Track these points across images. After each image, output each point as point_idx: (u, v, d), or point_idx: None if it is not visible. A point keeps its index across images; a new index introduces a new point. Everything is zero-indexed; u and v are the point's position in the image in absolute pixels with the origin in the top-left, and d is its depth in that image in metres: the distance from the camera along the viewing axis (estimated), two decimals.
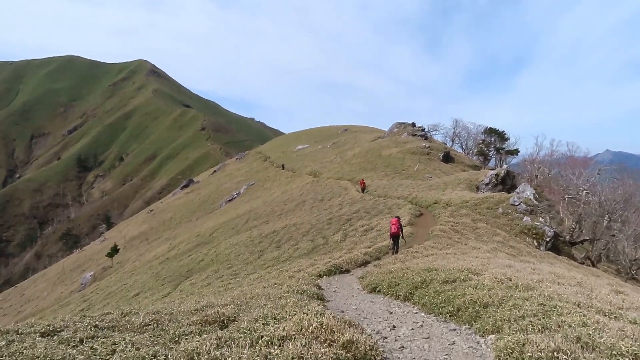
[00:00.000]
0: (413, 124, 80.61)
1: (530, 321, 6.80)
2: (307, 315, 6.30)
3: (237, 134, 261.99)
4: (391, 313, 9.09)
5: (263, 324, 6.17)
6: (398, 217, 19.20)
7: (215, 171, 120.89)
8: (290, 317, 6.36)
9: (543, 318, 6.92)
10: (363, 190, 42.59)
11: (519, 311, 7.36)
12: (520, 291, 8.86)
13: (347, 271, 14.61)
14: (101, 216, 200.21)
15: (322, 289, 11.76)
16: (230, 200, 73.89)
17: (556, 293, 8.68)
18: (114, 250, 62.89)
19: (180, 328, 6.17)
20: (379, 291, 11.28)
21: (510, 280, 10.04)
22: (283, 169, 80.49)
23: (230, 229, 42.62)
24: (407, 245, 18.91)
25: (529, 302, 7.78)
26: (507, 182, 43.09)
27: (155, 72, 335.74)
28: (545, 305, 7.61)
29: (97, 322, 6.43)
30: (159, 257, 43.40)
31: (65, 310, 32.26)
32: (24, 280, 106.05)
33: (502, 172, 42.79)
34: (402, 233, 18.49)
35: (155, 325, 6.48)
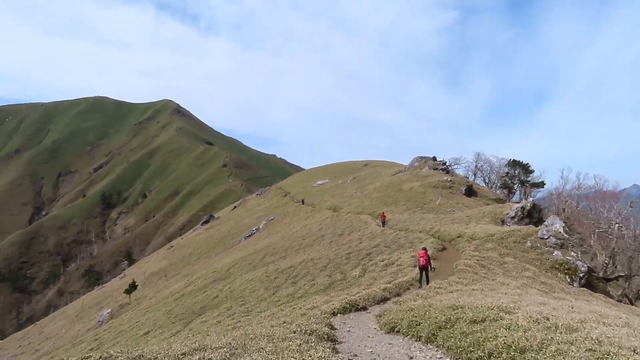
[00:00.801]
0: (434, 158, 79.40)
1: None
2: None
3: (259, 170, 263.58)
4: (411, 358, 7.90)
5: None
6: (425, 249, 18.60)
7: (235, 207, 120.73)
8: None
9: None
10: (383, 224, 41.55)
11: (564, 358, 6.15)
12: (561, 333, 7.60)
13: (364, 308, 13.38)
14: (123, 253, 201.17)
15: (335, 329, 10.61)
16: (249, 235, 73.03)
17: (605, 336, 7.40)
18: (132, 287, 62.18)
19: None
20: (397, 331, 10.08)
21: (548, 319, 8.77)
22: (303, 203, 79.67)
23: (247, 265, 41.56)
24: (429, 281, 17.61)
25: (575, 347, 6.55)
26: (533, 216, 41.33)
27: (179, 111, 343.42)
28: (594, 351, 6.38)
29: None
30: (174, 293, 42.43)
31: (77, 349, 31.31)
32: (44, 318, 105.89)
33: (529, 205, 41.12)
34: (431, 265, 18.10)
35: None
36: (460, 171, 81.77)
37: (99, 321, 60.00)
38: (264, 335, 8.49)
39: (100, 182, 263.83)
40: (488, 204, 55.93)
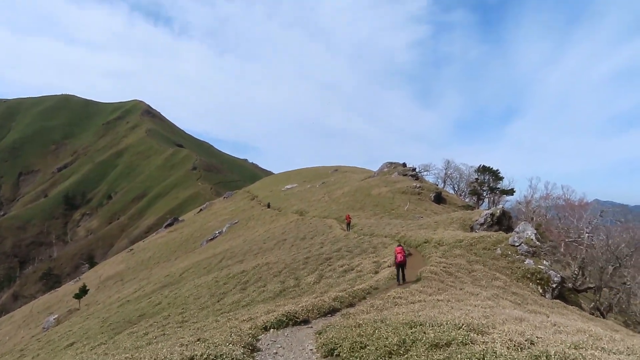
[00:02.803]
0: (404, 164, 77.80)
1: None
2: None
3: (229, 174, 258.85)
4: None
5: None
6: (402, 245, 18.70)
7: (201, 209, 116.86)
8: None
9: None
10: (348, 226, 39.95)
11: None
12: None
13: (306, 322, 10.92)
14: (85, 255, 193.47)
15: (258, 350, 8.15)
16: (211, 239, 69.81)
17: None
18: (82, 292, 58.16)
19: None
20: (337, 355, 7.69)
21: (533, 344, 6.54)
22: (269, 207, 76.96)
23: (202, 269, 38.65)
24: (387, 290, 15.33)
25: None
26: (503, 223, 39.80)
27: (150, 113, 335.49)
28: None
29: None
30: (121, 299, 39.13)
31: None
32: None
33: (498, 211, 39.58)
34: (406, 263, 17.84)
35: None
36: (430, 178, 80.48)
37: (43, 328, 55.75)
38: None
39: (64, 183, 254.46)
40: (456, 212, 54.41)
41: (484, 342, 6.43)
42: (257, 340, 9.06)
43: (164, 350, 7.91)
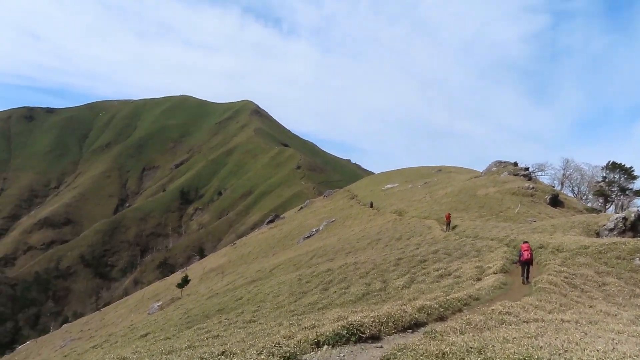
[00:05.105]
0: (515, 163, 71.02)
1: None
2: None
3: (332, 174, 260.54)
4: None
5: None
6: (527, 242, 18.71)
7: (301, 208, 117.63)
8: None
9: None
10: (448, 226, 37.11)
11: None
12: None
13: (375, 339, 8.25)
14: (196, 248, 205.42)
15: None
16: (308, 237, 69.04)
17: None
18: (184, 281, 60.07)
19: None
20: None
21: None
22: (371, 207, 74.33)
23: (291, 266, 37.30)
24: (491, 302, 12.14)
25: None
26: (638, 229, 33.55)
27: (258, 112, 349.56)
28: None
29: None
30: (212, 291, 39.10)
31: (89, 342, 28.59)
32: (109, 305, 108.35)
33: (633, 215, 33.32)
34: (532, 260, 17.64)
35: None
36: (545, 179, 72.51)
37: (149, 313, 58.57)
38: None
39: (180, 178, 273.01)
40: (577, 215, 47.79)
41: None
42: None
43: None
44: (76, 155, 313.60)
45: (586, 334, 7.96)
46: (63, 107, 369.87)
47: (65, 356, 29.54)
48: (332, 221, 72.00)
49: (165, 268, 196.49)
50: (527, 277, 17.24)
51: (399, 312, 9.78)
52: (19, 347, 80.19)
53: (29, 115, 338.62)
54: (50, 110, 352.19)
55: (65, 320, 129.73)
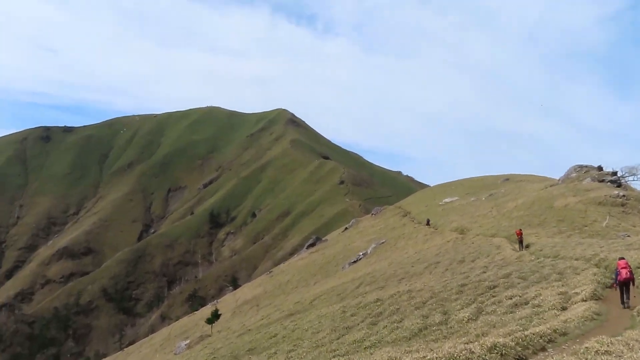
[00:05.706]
0: (599, 168, 68.04)
1: None
2: None
3: (380, 189, 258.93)
4: None
5: None
6: (624, 258, 17.67)
7: (346, 228, 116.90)
8: None
9: None
10: (521, 244, 35.87)
11: None
12: None
13: None
14: (229, 277, 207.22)
15: None
16: (354, 261, 68.24)
17: None
18: (214, 316, 60.04)
19: None
20: None
21: None
22: (428, 225, 72.91)
23: (335, 296, 36.56)
24: (582, 338, 10.93)
25: None
26: None
27: (294, 122, 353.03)
28: None
29: None
30: (245, 327, 38.72)
31: None
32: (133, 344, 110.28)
33: None
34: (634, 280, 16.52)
35: None
36: (638, 185, 69.02)
37: (175, 353, 58.86)
38: None
39: (209, 199, 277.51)
40: None
41: None
42: None
43: None
44: (96, 177, 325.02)
45: None
46: (81, 125, 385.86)
47: None
48: (382, 242, 71.21)
49: (195, 301, 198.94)
50: (628, 299, 16.33)
51: (464, 352, 8.82)
52: None
53: (46, 135, 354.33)
54: (67, 129, 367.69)
55: None
